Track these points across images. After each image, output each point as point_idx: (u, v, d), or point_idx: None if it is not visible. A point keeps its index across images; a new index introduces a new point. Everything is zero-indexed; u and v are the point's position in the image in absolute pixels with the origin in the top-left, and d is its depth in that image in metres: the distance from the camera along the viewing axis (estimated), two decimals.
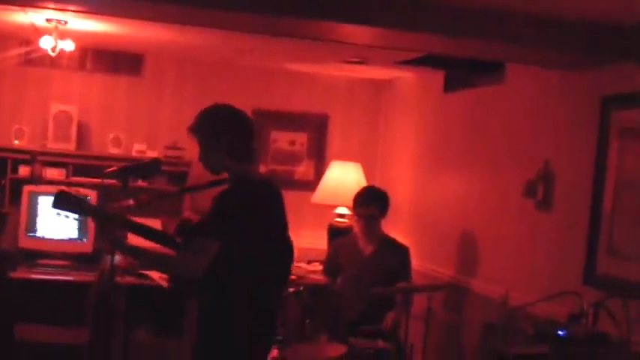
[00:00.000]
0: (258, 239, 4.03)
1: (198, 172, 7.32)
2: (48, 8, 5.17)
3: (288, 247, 4.27)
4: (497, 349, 4.45)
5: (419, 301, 6.23)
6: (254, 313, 4.06)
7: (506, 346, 4.37)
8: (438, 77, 7.23)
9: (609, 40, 4.84)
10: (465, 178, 6.67)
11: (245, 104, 7.92)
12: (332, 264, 6.52)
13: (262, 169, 8.18)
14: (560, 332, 4.24)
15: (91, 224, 6.93)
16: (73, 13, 5.63)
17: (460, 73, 6.89)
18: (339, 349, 5.52)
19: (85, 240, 7.14)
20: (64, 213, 4.07)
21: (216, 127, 4.13)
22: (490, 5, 4.63)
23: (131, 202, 4.20)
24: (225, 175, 4.23)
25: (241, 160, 4.15)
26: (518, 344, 4.37)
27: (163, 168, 7.06)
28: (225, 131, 4.12)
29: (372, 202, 6.34)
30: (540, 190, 5.48)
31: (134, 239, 4.28)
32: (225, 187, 4.17)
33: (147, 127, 7.92)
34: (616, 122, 4.86)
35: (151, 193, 4.42)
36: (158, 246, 4.27)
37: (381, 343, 5.70)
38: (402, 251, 6.41)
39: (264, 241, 4.08)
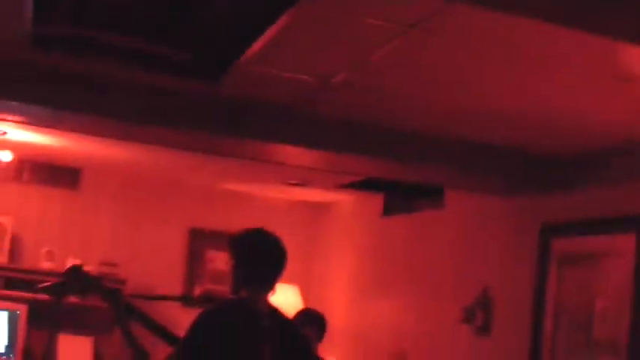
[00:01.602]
0: None
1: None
2: None
3: None
4: None
5: None
6: None
7: None
8: (377, 201, 7.25)
9: (548, 170, 4.93)
10: (403, 302, 6.63)
11: (182, 223, 8.03)
12: None
13: (198, 289, 8.09)
14: None
15: (20, 338, 6.75)
16: (12, 124, 5.58)
17: (399, 198, 6.92)
18: None
19: (11, 356, 6.92)
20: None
21: (241, 253, 4.21)
22: (430, 131, 4.70)
23: None
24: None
25: (253, 288, 4.14)
26: None
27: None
28: (245, 261, 4.18)
29: (309, 323, 6.24)
30: (479, 316, 5.46)
31: None
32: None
33: (81, 242, 7.79)
34: (555, 249, 4.90)
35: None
36: None
37: None
38: None
39: None
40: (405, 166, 5.06)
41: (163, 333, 4.31)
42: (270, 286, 4.18)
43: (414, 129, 4.69)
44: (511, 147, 4.83)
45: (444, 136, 4.76)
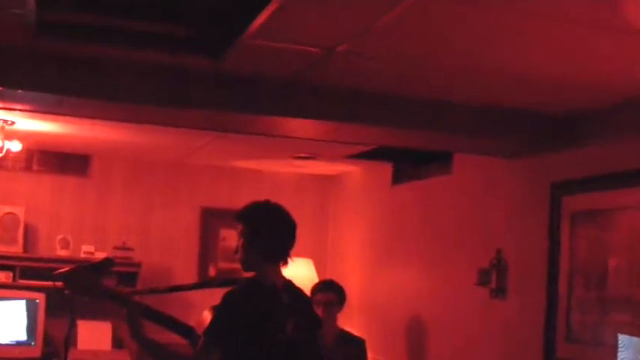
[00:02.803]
0: (254, 344, 3.94)
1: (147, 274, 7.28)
2: None
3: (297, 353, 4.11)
4: None
5: None
6: None
7: None
8: (386, 170, 7.27)
9: (555, 129, 4.93)
10: (417, 268, 6.65)
11: (193, 203, 8.06)
12: None
13: (212, 268, 8.13)
14: None
15: (40, 326, 6.79)
16: (20, 113, 5.59)
17: (408, 166, 6.93)
18: None
19: (33, 344, 6.97)
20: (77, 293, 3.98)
21: (258, 225, 4.10)
22: (435, 96, 4.70)
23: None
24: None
25: (269, 263, 4.08)
26: None
27: (113, 269, 6.96)
28: (265, 231, 4.08)
29: (331, 288, 6.31)
30: (494, 278, 5.49)
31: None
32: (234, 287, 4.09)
33: (95, 228, 7.83)
34: (567, 207, 4.91)
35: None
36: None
37: None
38: (358, 344, 6.35)
39: (261, 347, 3.97)
40: (412, 133, 5.06)
41: (180, 329, 4.28)
42: (285, 258, 4.12)
43: (419, 95, 4.70)
44: (516, 108, 4.82)
45: (449, 101, 4.76)
